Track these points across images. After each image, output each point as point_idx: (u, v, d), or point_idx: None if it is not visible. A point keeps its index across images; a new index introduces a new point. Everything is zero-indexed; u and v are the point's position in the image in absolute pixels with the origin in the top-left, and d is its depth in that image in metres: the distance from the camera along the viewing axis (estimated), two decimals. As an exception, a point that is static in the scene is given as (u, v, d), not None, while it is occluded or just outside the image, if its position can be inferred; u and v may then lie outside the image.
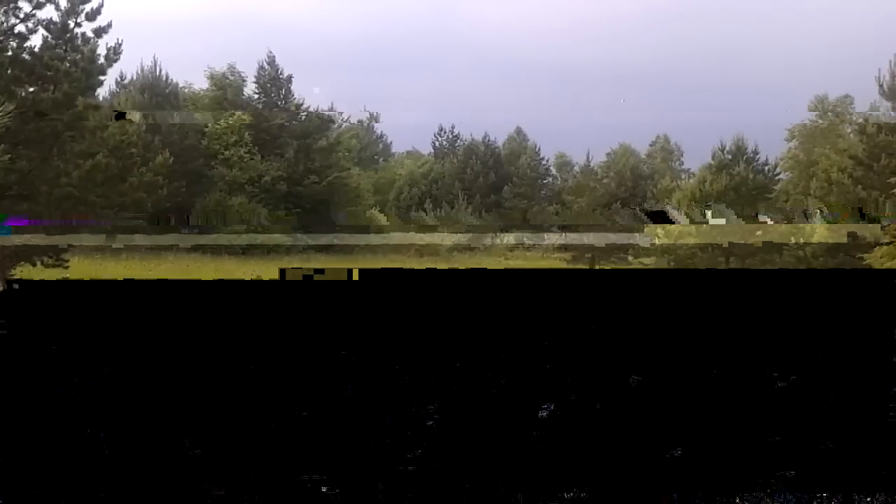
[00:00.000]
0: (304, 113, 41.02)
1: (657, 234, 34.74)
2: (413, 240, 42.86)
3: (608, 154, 59.97)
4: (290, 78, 41.49)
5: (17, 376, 6.72)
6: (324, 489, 4.81)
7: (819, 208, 28.46)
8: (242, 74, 43.25)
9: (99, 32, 19.52)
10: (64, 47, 18.86)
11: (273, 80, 41.63)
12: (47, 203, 19.90)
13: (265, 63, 41.68)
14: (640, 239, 36.76)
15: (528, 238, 48.15)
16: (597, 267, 40.36)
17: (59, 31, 19.12)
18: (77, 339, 8.00)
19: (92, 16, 19.50)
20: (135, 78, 38.70)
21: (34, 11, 18.80)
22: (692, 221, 31.92)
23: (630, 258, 43.32)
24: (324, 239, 38.39)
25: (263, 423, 5.77)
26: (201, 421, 5.82)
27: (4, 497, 4.36)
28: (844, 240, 25.81)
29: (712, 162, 35.19)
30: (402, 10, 66.94)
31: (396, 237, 43.85)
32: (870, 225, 24.90)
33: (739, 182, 32.64)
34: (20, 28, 18.24)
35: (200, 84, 42.79)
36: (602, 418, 6.91)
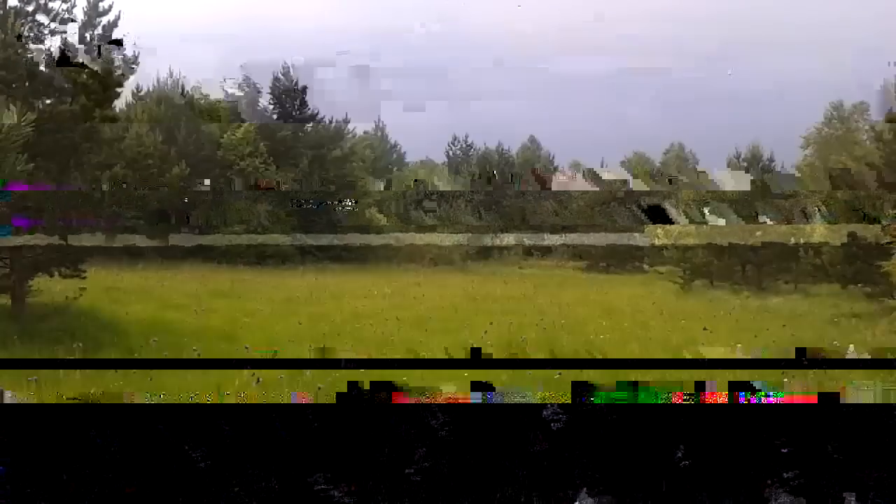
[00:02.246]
0: (312, 124, 41.33)
1: (657, 235, 34.72)
2: (428, 246, 42.82)
3: (622, 162, 59.73)
4: (304, 89, 41.76)
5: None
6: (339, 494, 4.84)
7: (817, 206, 28.27)
8: (258, 85, 43.59)
9: (117, 43, 19.73)
10: (81, 60, 19.08)
11: (288, 91, 41.94)
12: (64, 213, 20.08)
13: (279, 74, 42.00)
14: (639, 239, 36.96)
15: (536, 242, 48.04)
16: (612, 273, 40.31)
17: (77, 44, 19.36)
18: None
19: (109, 28, 19.72)
20: (150, 90, 39.11)
21: (51, 24, 19.05)
22: (691, 221, 31.90)
23: (646, 266, 43.15)
24: (324, 239, 38.43)
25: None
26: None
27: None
28: (845, 239, 25.67)
29: (728, 169, 35.02)
30: (414, 18, 67.15)
31: (408, 242, 43.83)
32: (870, 225, 24.68)
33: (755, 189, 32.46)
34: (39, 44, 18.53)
35: (216, 95, 43.17)
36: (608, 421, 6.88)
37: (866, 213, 24.19)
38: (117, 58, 20.10)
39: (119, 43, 19.93)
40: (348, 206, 41.28)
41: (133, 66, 21.18)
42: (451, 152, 60.92)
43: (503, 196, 52.96)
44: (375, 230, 42.38)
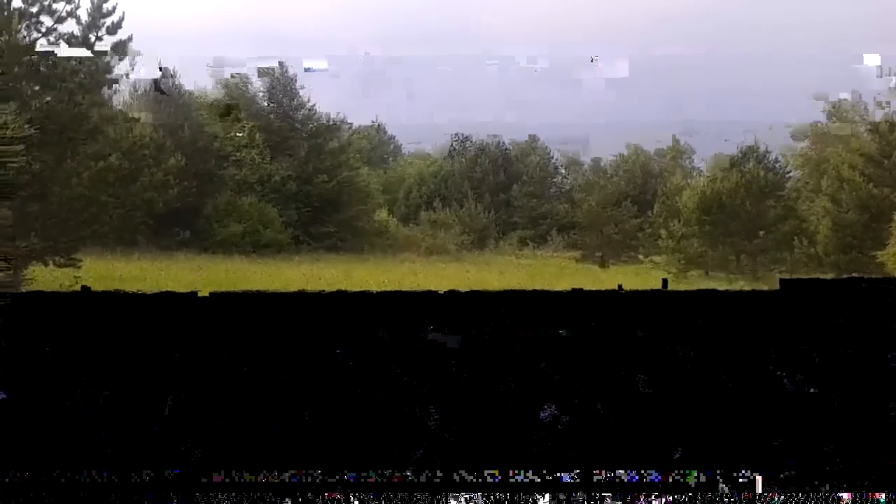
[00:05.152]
0: (304, 112, 41.37)
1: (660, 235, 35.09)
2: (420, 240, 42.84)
3: (619, 154, 59.51)
4: (295, 78, 41.67)
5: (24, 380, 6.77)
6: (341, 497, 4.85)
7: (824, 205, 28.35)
8: (253, 79, 43.34)
9: (113, 29, 19.66)
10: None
11: (282, 84, 41.78)
12: (59, 203, 20.06)
13: (276, 67, 41.80)
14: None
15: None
16: (608, 265, 40.30)
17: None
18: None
19: (113, 30, 19.66)
20: (148, 87, 38.88)
21: (55, 26, 18.95)
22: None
23: (641, 256, 43.17)
24: (328, 241, 38.65)
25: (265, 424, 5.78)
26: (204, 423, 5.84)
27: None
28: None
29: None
30: (412, 15, 67.11)
31: (403, 235, 43.97)
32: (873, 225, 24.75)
33: (750, 179, 32.44)
34: (42, 41, 18.47)
35: (212, 89, 42.92)
36: (605, 420, 6.89)
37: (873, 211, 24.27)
38: (112, 56, 20.06)
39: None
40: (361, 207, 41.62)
41: (130, 62, 21.15)
42: (448, 143, 60.78)
43: (513, 197, 53.05)
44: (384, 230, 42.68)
